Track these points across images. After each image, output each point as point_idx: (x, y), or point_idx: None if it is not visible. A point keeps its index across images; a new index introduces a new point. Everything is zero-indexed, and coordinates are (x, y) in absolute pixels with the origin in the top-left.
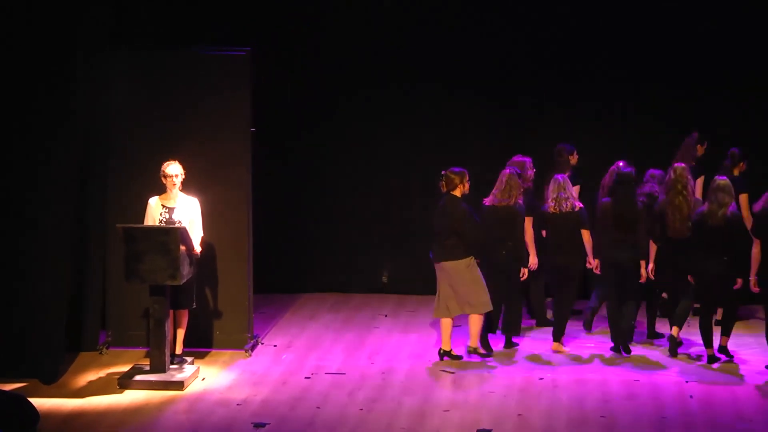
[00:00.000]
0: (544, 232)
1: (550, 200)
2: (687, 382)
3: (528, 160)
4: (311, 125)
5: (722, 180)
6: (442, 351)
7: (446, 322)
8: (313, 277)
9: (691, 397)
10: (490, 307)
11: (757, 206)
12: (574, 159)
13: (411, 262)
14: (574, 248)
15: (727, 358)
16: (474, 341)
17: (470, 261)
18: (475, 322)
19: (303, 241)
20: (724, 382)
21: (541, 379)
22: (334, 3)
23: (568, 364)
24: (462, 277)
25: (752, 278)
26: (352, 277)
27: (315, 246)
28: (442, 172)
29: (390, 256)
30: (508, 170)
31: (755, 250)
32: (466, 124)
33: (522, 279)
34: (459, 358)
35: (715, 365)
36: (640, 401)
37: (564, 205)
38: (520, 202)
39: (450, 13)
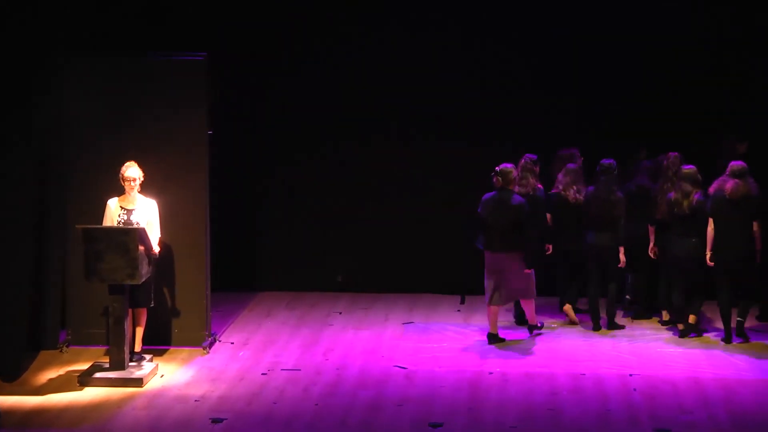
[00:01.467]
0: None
1: (570, 189)
2: (631, 375)
3: (575, 150)
4: (268, 127)
5: (687, 169)
6: (490, 335)
7: (496, 310)
8: (270, 276)
9: (634, 390)
10: (535, 294)
11: (711, 188)
12: (642, 155)
13: (365, 261)
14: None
15: (695, 335)
16: (533, 319)
17: (524, 253)
18: (529, 305)
19: (259, 240)
20: (667, 375)
21: (491, 373)
22: (293, 9)
23: (517, 358)
24: (518, 266)
25: (708, 253)
26: (307, 275)
27: (271, 245)
28: (497, 168)
29: (345, 255)
30: (524, 159)
31: (709, 228)
32: (424, 126)
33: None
34: (503, 340)
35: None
36: (585, 394)
37: (579, 196)
38: (539, 186)
39: (412, 14)
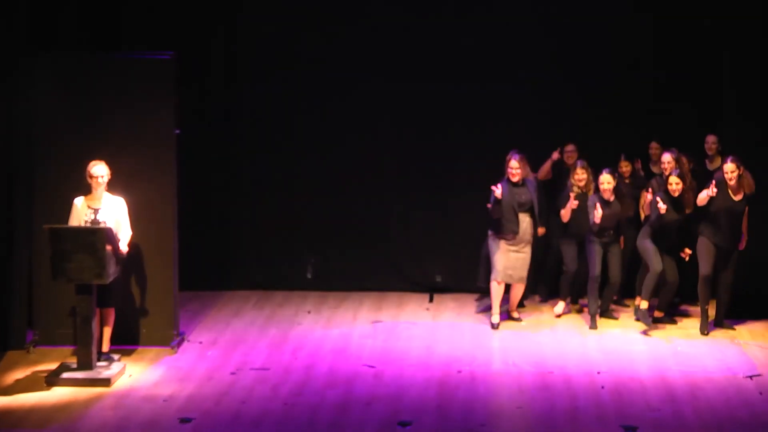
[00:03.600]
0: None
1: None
2: (599, 373)
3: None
4: (234, 126)
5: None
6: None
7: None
8: (238, 275)
9: (602, 387)
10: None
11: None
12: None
13: (333, 259)
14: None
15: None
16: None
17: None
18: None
19: (227, 239)
20: (634, 373)
21: (460, 372)
22: (258, 7)
23: (485, 356)
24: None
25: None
26: (275, 274)
27: (239, 244)
28: (512, 162)
29: (312, 253)
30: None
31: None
32: (395, 125)
33: None
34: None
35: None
36: (554, 392)
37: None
38: (535, 176)
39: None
